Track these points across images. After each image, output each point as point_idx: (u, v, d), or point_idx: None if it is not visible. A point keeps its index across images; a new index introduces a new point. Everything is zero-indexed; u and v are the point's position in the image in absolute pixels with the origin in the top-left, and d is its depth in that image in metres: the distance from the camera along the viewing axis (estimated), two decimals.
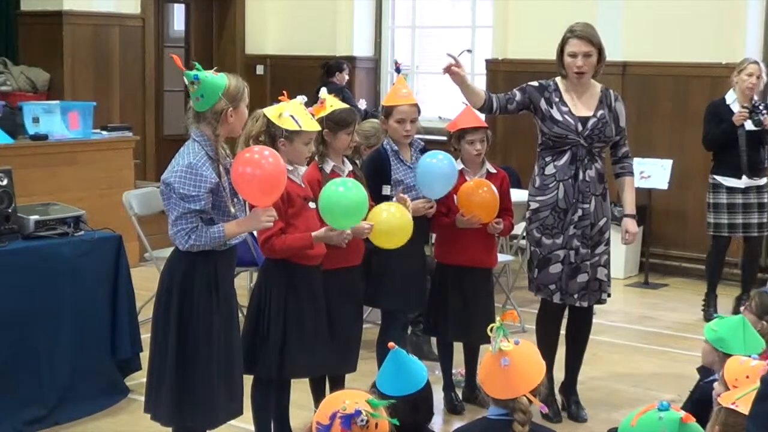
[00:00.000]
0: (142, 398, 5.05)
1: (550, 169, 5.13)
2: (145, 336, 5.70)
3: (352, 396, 2.81)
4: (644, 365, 6.38)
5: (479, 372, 3.25)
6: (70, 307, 5.19)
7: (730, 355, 3.68)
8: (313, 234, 4.43)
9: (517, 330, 6.09)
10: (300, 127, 4.36)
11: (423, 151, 5.26)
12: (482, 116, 5.51)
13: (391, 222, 4.66)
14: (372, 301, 5.34)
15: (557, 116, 5.09)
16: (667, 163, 8.50)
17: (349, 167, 4.81)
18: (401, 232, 4.69)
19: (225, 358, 4.12)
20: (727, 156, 7.14)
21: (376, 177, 5.05)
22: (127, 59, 9.69)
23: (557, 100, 5.12)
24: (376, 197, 4.97)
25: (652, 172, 8.49)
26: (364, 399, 2.80)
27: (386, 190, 5.07)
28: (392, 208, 4.73)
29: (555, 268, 5.14)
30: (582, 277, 5.14)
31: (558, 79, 5.20)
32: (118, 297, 5.42)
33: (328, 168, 4.73)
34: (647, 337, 7.04)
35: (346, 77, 10.08)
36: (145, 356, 5.52)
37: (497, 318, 3.14)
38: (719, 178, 7.20)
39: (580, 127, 5.08)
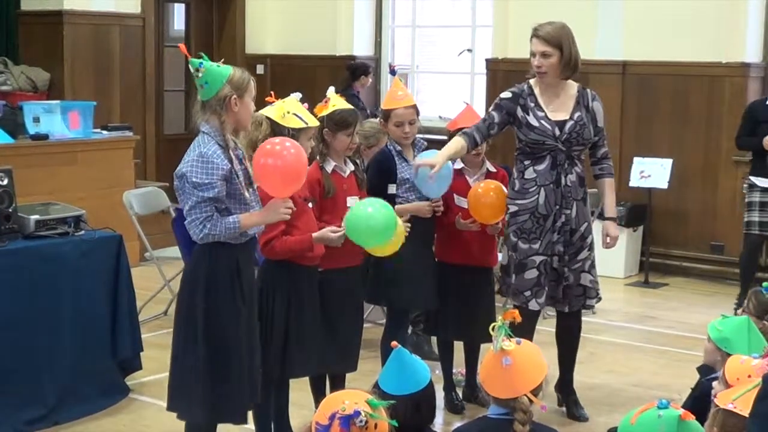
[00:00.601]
0: (143, 398, 5.05)
1: (530, 173, 5.02)
2: (146, 336, 5.73)
3: (352, 396, 2.80)
4: (644, 365, 6.37)
5: (480, 371, 3.25)
6: (71, 306, 5.17)
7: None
8: (314, 235, 4.43)
9: None
10: (306, 124, 4.39)
11: (426, 150, 5.26)
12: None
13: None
14: (376, 299, 5.36)
15: (533, 122, 4.99)
16: (667, 163, 8.50)
17: (351, 167, 4.81)
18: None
19: (248, 353, 4.12)
20: (762, 158, 7.17)
21: (382, 176, 5.06)
22: (127, 59, 9.68)
23: (533, 104, 5.02)
24: (382, 197, 4.97)
25: (652, 172, 8.49)
26: (364, 399, 2.79)
27: (392, 188, 5.07)
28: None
29: (530, 274, 5.03)
30: (564, 282, 5.07)
31: (532, 80, 5.10)
32: (119, 297, 5.40)
33: (329, 168, 4.72)
34: (647, 336, 7.03)
35: (370, 80, 9.99)
36: (145, 356, 5.56)
37: (498, 317, 3.14)
38: (753, 179, 7.25)
39: (557, 132, 4.98)
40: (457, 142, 5.01)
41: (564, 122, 5.00)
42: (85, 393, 5.22)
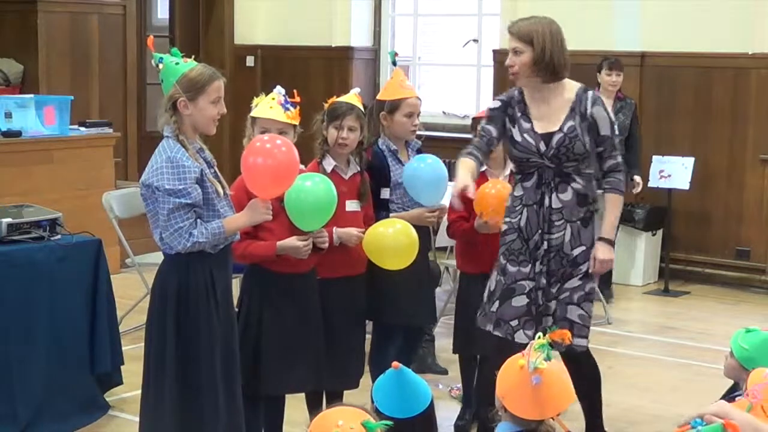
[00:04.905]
0: (123, 415, 5.04)
1: (518, 191, 4.76)
2: (127, 348, 5.73)
3: (348, 416, 2.76)
4: (664, 379, 6.37)
5: (500, 386, 3.21)
6: (46, 317, 5.17)
7: None
8: (278, 244, 4.39)
9: None
10: (250, 112, 4.45)
11: (420, 152, 5.21)
12: None
13: (393, 240, 4.64)
14: (370, 315, 5.34)
15: (516, 136, 4.69)
16: (689, 162, 8.50)
17: (354, 170, 4.79)
18: (400, 253, 4.66)
19: (226, 368, 4.10)
20: None
21: (374, 180, 5.00)
22: (106, 50, 9.68)
23: (519, 114, 4.72)
24: (374, 201, 4.95)
25: (673, 171, 8.50)
26: (360, 421, 2.75)
27: (385, 193, 5.03)
28: (398, 225, 4.70)
29: (519, 301, 4.67)
30: (546, 321, 4.71)
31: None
32: (98, 306, 5.40)
33: (328, 167, 4.71)
34: (668, 348, 7.03)
35: (614, 78, 8.06)
36: (126, 369, 5.55)
37: (542, 336, 3.12)
38: None
39: (542, 147, 4.64)
40: (469, 162, 4.68)
41: (551, 135, 4.66)
42: (61, 410, 5.21)
